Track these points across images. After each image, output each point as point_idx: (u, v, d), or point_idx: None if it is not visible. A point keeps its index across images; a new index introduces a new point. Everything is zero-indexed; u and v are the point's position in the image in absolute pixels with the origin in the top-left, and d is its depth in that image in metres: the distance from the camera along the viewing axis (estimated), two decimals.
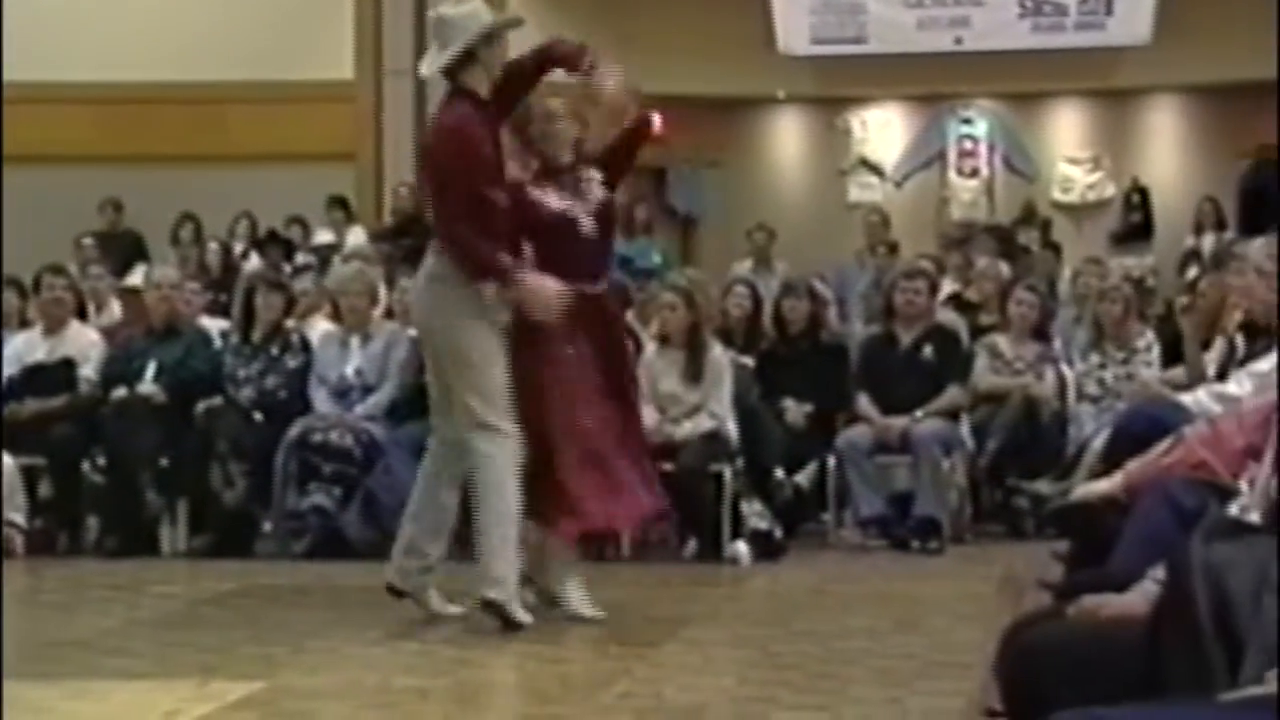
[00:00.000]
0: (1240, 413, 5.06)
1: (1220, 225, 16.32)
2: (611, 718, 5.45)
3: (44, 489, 9.80)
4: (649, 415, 9.02)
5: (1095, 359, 10.26)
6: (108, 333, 10.54)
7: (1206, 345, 7.97)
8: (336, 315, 10.11)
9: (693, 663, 6.37)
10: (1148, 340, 10.22)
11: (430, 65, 7.08)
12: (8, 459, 9.41)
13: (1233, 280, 7.52)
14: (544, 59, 7.10)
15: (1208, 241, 15.93)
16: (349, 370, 9.61)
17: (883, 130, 18.06)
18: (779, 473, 9.57)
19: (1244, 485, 4.38)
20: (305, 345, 9.83)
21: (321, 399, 9.59)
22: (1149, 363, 10.06)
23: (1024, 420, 9.97)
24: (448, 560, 7.28)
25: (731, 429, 9.20)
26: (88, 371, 9.87)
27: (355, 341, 9.69)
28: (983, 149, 17.78)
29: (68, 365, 9.87)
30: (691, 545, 9.17)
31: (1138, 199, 17.45)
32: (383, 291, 10.50)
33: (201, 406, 9.65)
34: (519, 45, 7.21)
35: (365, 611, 7.27)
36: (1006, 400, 10.08)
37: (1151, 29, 16.08)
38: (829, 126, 18.08)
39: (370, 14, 16.28)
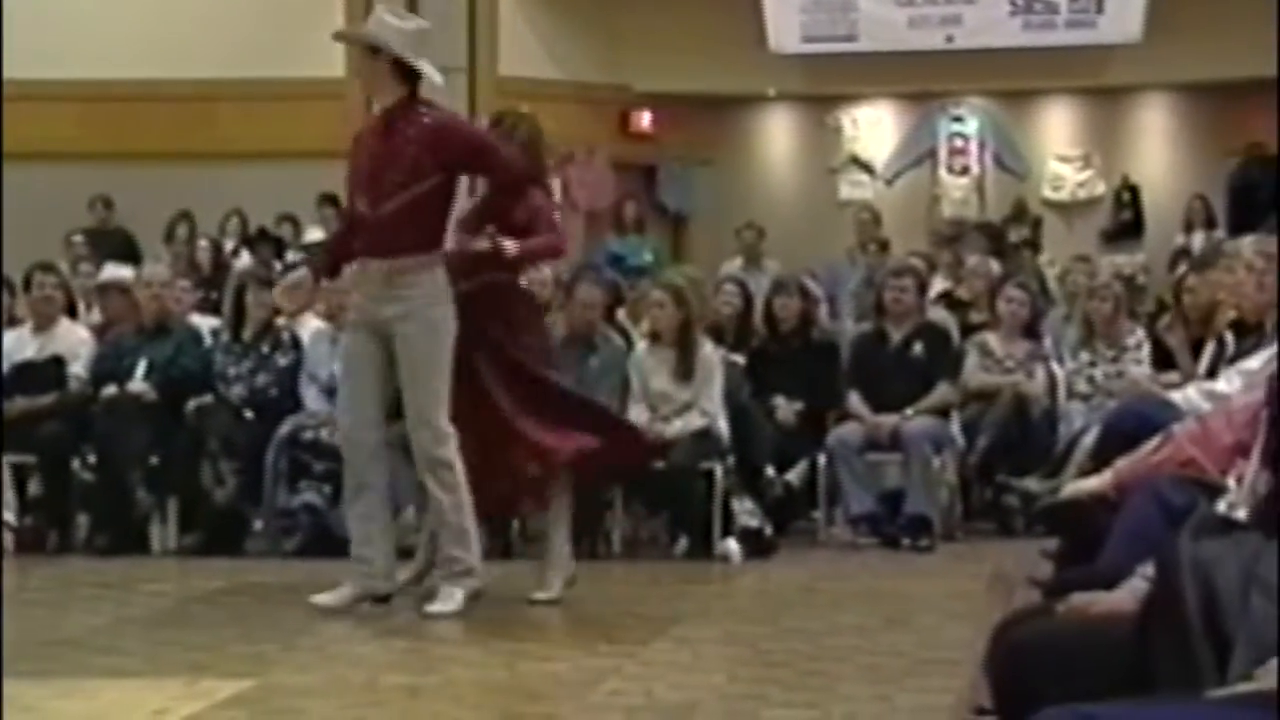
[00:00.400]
0: (1229, 410, 5.05)
1: (1210, 223, 16.32)
2: (601, 715, 5.46)
3: (33, 487, 9.79)
4: (639, 413, 9.05)
5: (1085, 357, 10.27)
6: (97, 330, 10.52)
7: (1199, 344, 7.99)
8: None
9: (683, 660, 6.38)
10: (1138, 338, 10.23)
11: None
12: None
13: (1223, 278, 7.51)
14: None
15: (1198, 239, 15.94)
16: (340, 368, 9.58)
17: (873, 128, 18.03)
18: (770, 470, 9.57)
19: (1232, 482, 4.38)
20: (296, 343, 9.81)
21: (312, 397, 9.58)
22: (1139, 360, 10.07)
23: (1014, 418, 9.98)
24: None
25: (722, 427, 9.20)
26: (77, 369, 9.85)
27: None
28: (973, 147, 17.74)
29: (57, 363, 9.85)
30: (682, 543, 9.17)
31: (1128, 197, 17.44)
32: None
33: (192, 404, 9.65)
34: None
35: (355, 610, 7.27)
36: (997, 398, 10.09)
37: (1142, 27, 16.08)
38: (820, 124, 18.05)
39: (361, 11, 16.24)
